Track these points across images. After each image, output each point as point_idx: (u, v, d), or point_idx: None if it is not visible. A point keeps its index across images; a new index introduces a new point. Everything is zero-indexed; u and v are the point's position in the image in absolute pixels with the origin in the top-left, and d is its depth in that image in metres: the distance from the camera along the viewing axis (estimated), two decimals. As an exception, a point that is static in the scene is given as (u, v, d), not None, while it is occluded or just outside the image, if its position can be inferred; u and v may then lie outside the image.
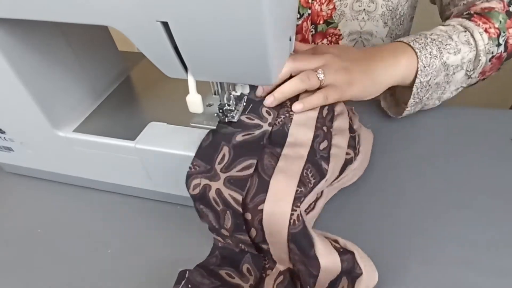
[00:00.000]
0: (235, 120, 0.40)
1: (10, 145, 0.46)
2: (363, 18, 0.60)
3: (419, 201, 0.44)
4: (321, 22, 0.60)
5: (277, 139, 0.37)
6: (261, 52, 0.29)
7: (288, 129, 0.38)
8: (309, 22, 0.60)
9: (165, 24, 0.28)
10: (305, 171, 0.35)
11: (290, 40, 0.36)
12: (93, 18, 0.30)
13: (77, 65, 0.43)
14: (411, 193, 0.45)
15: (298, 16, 0.59)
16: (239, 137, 0.37)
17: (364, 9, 0.59)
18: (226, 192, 0.33)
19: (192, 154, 0.37)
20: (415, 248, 0.39)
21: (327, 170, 0.37)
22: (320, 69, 0.41)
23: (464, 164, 0.48)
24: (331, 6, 0.59)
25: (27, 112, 0.40)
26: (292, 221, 0.32)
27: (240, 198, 0.32)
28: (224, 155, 0.35)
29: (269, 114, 0.39)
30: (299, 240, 0.32)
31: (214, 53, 0.30)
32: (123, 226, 0.44)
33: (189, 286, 0.33)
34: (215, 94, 0.43)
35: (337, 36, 0.62)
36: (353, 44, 0.63)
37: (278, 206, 0.32)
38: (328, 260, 0.33)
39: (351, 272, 0.34)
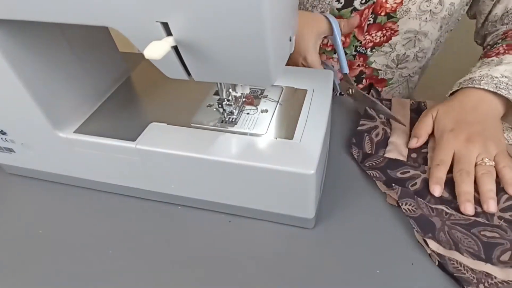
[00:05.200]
0: (235, 116, 0.41)
1: (11, 146, 0.46)
2: (426, 18, 0.59)
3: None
4: (382, 14, 0.60)
5: None
6: (261, 52, 0.29)
7: None
8: (370, 11, 0.60)
9: (165, 25, 0.28)
10: None
11: (290, 40, 0.36)
12: (94, 19, 0.30)
13: (78, 66, 0.43)
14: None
15: (363, 0, 0.58)
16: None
17: (430, 10, 0.58)
18: None
19: (193, 154, 0.37)
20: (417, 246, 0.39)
21: None
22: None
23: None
24: (398, 0, 0.58)
25: (28, 113, 0.40)
26: None
27: None
28: None
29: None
30: None
31: (214, 54, 0.30)
32: (124, 227, 0.44)
33: None
34: (215, 94, 0.43)
35: (392, 31, 0.62)
36: (405, 42, 0.63)
37: None
38: None
39: None
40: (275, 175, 0.36)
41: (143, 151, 0.39)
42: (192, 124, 0.41)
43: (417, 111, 0.55)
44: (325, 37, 0.58)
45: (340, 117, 0.56)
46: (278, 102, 0.44)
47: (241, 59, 0.30)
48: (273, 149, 0.38)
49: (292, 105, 0.43)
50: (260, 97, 0.45)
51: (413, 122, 0.53)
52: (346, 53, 0.66)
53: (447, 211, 0.41)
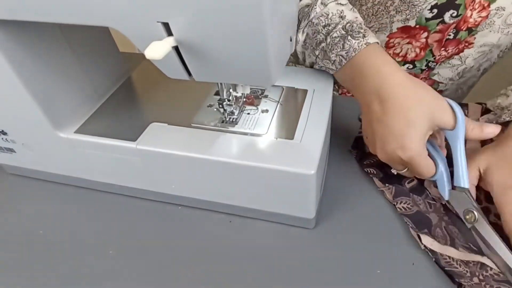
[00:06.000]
0: (235, 116, 0.41)
1: (12, 147, 0.46)
2: (508, 32, 0.54)
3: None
4: (464, 29, 0.54)
5: None
6: (262, 52, 0.29)
7: None
8: (453, 26, 0.54)
9: (166, 25, 0.28)
10: None
11: (291, 40, 0.36)
12: (94, 20, 0.30)
13: (78, 67, 0.43)
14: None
15: (455, 14, 0.52)
16: None
17: None
18: None
19: (193, 154, 0.37)
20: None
21: None
22: None
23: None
24: (483, 14, 0.52)
25: (29, 113, 0.40)
26: None
27: None
28: None
29: None
30: None
31: (215, 54, 0.30)
32: (124, 227, 0.44)
33: None
34: (215, 94, 0.43)
35: (467, 44, 0.56)
36: (477, 56, 0.58)
37: None
38: None
39: None
40: (276, 175, 0.36)
41: (143, 151, 0.39)
42: (193, 124, 0.41)
43: None
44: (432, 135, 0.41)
45: (341, 117, 0.56)
46: (278, 102, 0.44)
47: (242, 59, 0.30)
48: (273, 149, 0.38)
49: (293, 105, 0.43)
50: (260, 97, 0.45)
51: None
52: (415, 66, 0.59)
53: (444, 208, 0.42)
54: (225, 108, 0.41)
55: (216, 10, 0.26)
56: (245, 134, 0.40)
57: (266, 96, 0.45)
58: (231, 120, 0.41)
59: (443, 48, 0.57)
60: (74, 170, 0.46)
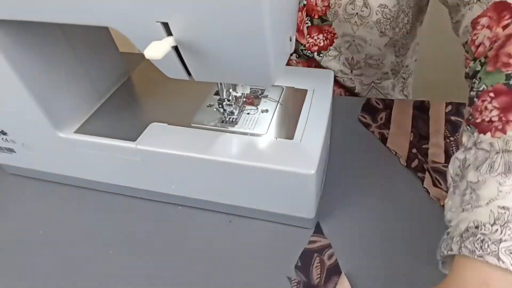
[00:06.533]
0: (235, 116, 0.41)
1: (12, 147, 0.46)
2: (355, 22, 0.56)
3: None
4: (315, 17, 0.58)
5: None
6: (262, 52, 0.29)
7: None
8: (304, 13, 0.58)
9: (166, 25, 0.28)
10: None
11: (291, 40, 0.36)
12: (94, 19, 0.30)
13: (78, 67, 0.43)
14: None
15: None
16: None
17: (357, 13, 0.55)
18: None
19: (193, 154, 0.37)
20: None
21: None
22: None
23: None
24: (326, 3, 0.56)
25: (29, 113, 0.40)
26: None
27: None
28: None
29: None
30: None
31: (215, 54, 0.30)
32: (125, 227, 0.44)
33: None
34: (215, 94, 0.43)
35: (332, 34, 0.60)
36: (347, 46, 0.61)
37: None
38: None
39: None
40: (276, 175, 0.36)
41: (143, 151, 0.39)
42: (193, 124, 0.41)
43: (419, 108, 0.56)
44: None
45: (341, 117, 0.56)
46: (278, 102, 0.44)
47: (241, 59, 0.30)
48: (273, 149, 0.38)
49: (293, 105, 0.43)
50: (260, 97, 0.45)
51: (415, 119, 0.54)
52: (299, 56, 0.64)
53: None
54: (225, 108, 0.41)
55: (216, 10, 0.26)
56: (245, 134, 0.40)
57: (266, 96, 0.45)
58: (231, 120, 0.41)
59: (308, 36, 0.61)
60: (73, 170, 0.46)
